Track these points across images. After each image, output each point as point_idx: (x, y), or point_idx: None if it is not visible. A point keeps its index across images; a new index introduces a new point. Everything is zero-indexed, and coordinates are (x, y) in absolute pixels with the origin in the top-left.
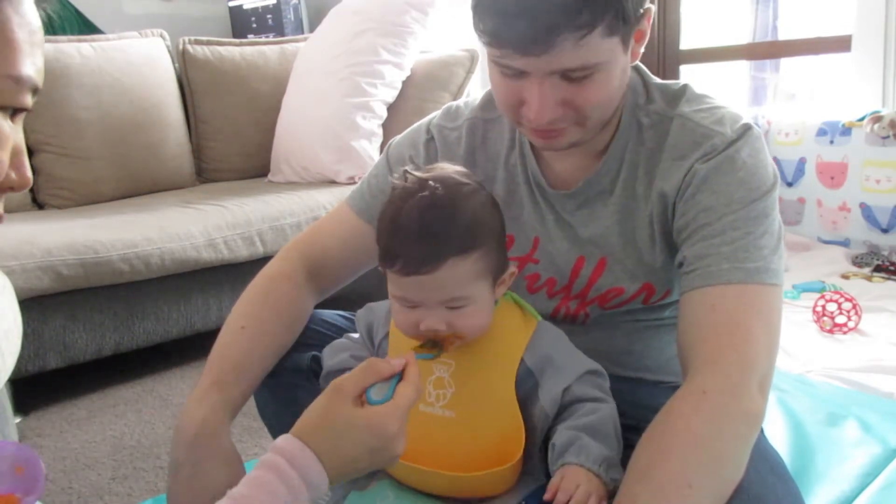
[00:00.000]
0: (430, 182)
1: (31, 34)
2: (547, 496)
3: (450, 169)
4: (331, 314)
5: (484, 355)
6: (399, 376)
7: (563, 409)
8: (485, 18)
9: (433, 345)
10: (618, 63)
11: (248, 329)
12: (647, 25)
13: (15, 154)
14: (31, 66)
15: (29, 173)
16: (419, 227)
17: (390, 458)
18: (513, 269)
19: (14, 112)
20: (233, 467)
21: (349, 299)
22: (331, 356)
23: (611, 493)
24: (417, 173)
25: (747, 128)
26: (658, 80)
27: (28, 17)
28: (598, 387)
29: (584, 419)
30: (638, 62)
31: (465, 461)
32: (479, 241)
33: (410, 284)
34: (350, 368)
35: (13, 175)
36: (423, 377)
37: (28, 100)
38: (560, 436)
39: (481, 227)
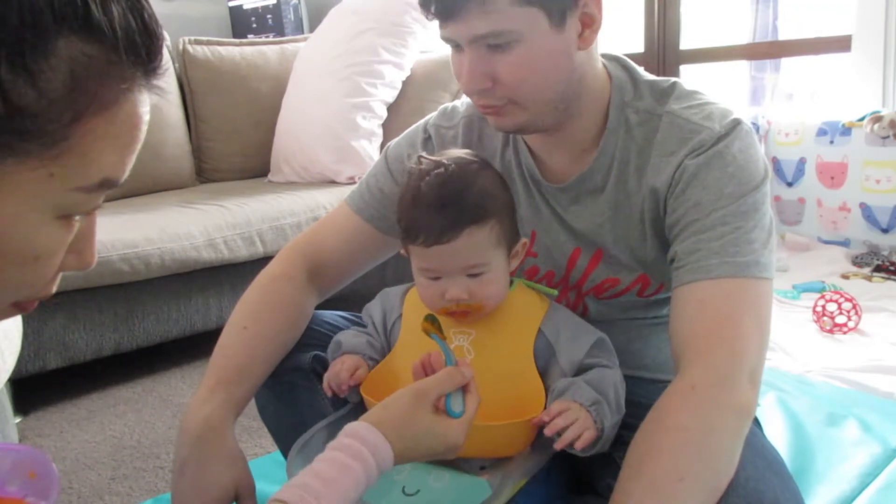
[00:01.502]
0: (444, 161)
1: (123, 134)
2: (545, 417)
3: (459, 151)
4: (331, 315)
5: (503, 323)
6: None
7: (576, 375)
8: None
9: (433, 320)
10: (542, 39)
11: (250, 329)
12: (595, 10)
13: (78, 239)
14: (111, 170)
15: (90, 257)
16: (437, 200)
17: (453, 453)
18: (524, 240)
19: None
20: (237, 466)
21: (349, 300)
22: (349, 339)
23: (596, 438)
24: (430, 157)
25: (736, 123)
26: (648, 76)
27: (122, 122)
28: (605, 357)
29: (584, 376)
30: (626, 59)
31: (483, 417)
32: (492, 211)
33: (433, 255)
34: (366, 353)
35: (72, 260)
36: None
37: (100, 200)
38: (559, 383)
39: (494, 198)
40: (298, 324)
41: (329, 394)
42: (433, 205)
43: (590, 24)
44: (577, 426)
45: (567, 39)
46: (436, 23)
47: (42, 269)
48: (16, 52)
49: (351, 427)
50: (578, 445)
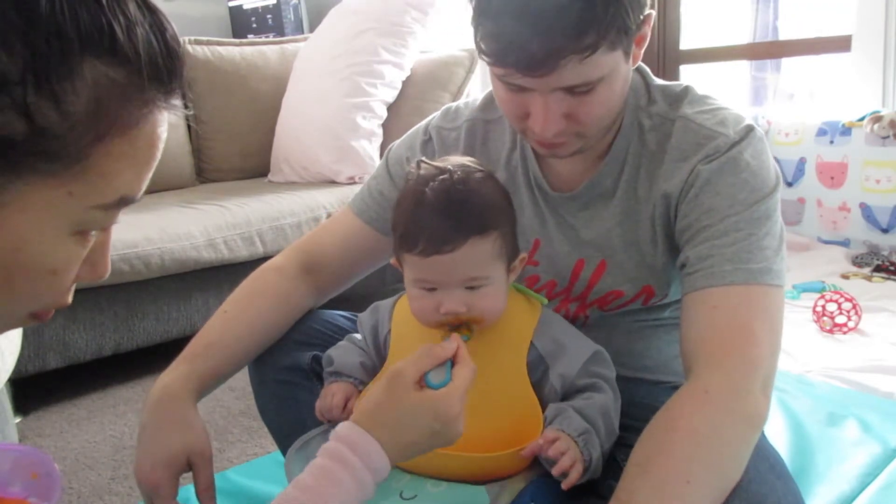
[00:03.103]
0: (448, 167)
1: (141, 154)
2: (541, 441)
3: (462, 158)
4: (332, 314)
5: (494, 340)
6: (451, 360)
7: (568, 395)
8: (487, 39)
9: (457, 328)
10: (620, 73)
11: (228, 313)
12: (648, 30)
13: (93, 252)
14: (128, 188)
15: (103, 269)
16: (442, 207)
17: (450, 439)
18: (523, 254)
19: None
20: (191, 433)
21: (350, 300)
22: (341, 356)
23: (584, 469)
24: (432, 162)
25: (750, 129)
26: (660, 81)
27: (143, 141)
28: (600, 375)
29: (574, 402)
30: (640, 63)
31: (483, 442)
32: (496, 222)
33: (431, 265)
34: (357, 377)
35: (86, 271)
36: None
37: (116, 217)
38: (548, 410)
39: (498, 209)
40: (282, 310)
41: (324, 422)
42: (436, 212)
43: (641, 42)
44: (568, 457)
45: (630, 65)
46: (437, 23)
47: (58, 283)
48: (42, 76)
49: (334, 430)
50: (571, 479)
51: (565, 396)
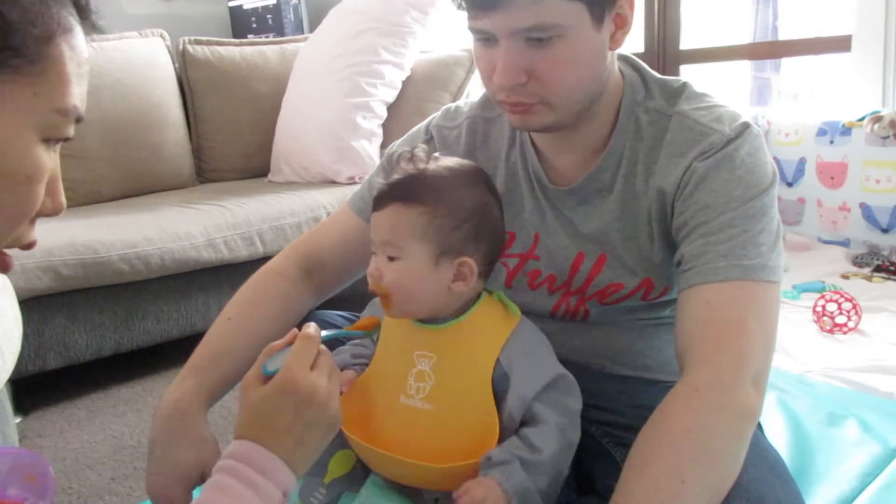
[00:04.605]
0: (434, 154)
1: (79, 66)
2: (456, 496)
3: (458, 159)
4: (331, 314)
5: (464, 349)
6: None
7: (525, 422)
8: None
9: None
10: (584, 36)
11: (233, 320)
12: (629, 11)
13: (51, 181)
14: (77, 97)
15: (62, 199)
16: (397, 177)
17: (328, 417)
18: (471, 262)
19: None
20: (203, 447)
21: (349, 300)
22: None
23: None
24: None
25: (746, 126)
26: (657, 75)
27: (78, 50)
28: (561, 405)
29: (528, 454)
30: (636, 58)
31: (441, 453)
32: (429, 201)
33: (372, 222)
34: (349, 366)
35: (48, 202)
36: (404, 370)
37: (71, 130)
38: (498, 452)
39: (440, 193)
40: (286, 317)
41: None
42: (392, 181)
43: (622, 25)
44: None
45: (603, 39)
46: (437, 23)
47: (32, 194)
48: None
49: (226, 451)
50: None
51: (522, 422)
